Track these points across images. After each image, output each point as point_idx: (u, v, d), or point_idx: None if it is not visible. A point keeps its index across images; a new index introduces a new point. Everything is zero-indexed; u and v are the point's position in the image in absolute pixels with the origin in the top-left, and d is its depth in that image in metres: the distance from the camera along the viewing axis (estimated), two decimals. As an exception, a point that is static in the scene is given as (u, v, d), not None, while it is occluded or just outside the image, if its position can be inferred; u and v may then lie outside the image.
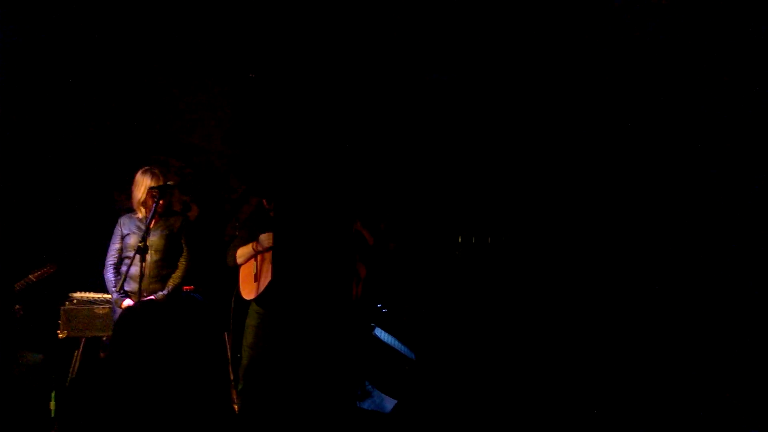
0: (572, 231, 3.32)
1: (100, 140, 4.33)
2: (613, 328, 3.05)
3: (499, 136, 3.63)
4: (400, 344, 3.22)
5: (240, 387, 3.32)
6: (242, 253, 3.33)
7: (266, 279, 3.21)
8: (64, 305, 3.61)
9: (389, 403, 2.83)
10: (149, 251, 3.16)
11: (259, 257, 3.28)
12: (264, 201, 3.41)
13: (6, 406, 2.99)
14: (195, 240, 3.51)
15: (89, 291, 3.70)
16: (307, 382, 2.23)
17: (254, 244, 3.28)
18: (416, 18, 3.38)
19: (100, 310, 3.62)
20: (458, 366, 3.43)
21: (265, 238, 3.22)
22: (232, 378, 3.57)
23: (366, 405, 2.87)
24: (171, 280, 3.35)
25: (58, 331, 3.58)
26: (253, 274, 3.29)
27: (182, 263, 3.40)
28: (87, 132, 4.31)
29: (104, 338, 3.75)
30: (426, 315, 3.71)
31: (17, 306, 3.46)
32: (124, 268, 3.29)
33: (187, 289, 3.48)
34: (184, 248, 3.42)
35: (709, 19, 2.76)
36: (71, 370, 3.60)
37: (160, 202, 3.23)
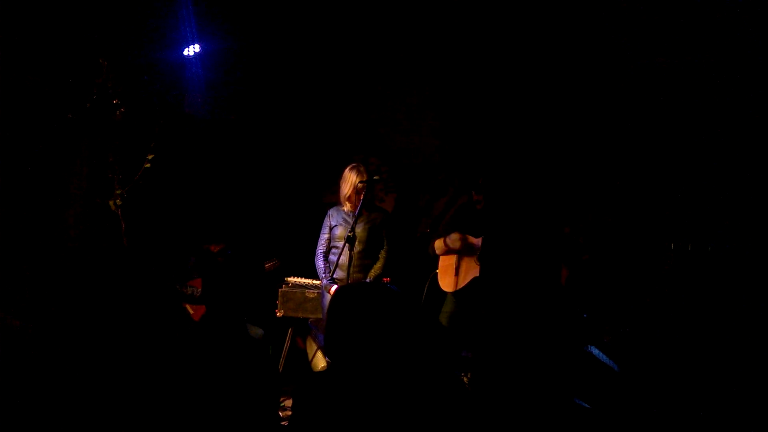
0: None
1: (309, 145, 4.83)
2: None
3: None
4: (603, 355, 2.99)
5: None
6: (437, 245, 3.48)
7: (466, 275, 3.25)
8: (282, 287, 4.06)
9: None
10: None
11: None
12: (473, 193, 3.34)
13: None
14: (393, 234, 3.68)
15: (301, 276, 4.10)
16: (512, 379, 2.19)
17: (445, 239, 3.39)
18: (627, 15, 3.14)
19: (310, 294, 3.99)
20: (666, 382, 3.08)
21: (453, 240, 3.33)
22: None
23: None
24: (372, 271, 3.55)
25: (276, 311, 4.03)
26: (453, 267, 3.34)
27: (383, 255, 3.59)
28: (299, 138, 4.83)
29: (310, 320, 4.13)
30: (630, 326, 3.39)
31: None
32: (332, 258, 3.57)
33: (385, 280, 3.66)
34: (385, 242, 3.61)
35: None
36: (285, 345, 4.04)
37: (363, 195, 3.44)
